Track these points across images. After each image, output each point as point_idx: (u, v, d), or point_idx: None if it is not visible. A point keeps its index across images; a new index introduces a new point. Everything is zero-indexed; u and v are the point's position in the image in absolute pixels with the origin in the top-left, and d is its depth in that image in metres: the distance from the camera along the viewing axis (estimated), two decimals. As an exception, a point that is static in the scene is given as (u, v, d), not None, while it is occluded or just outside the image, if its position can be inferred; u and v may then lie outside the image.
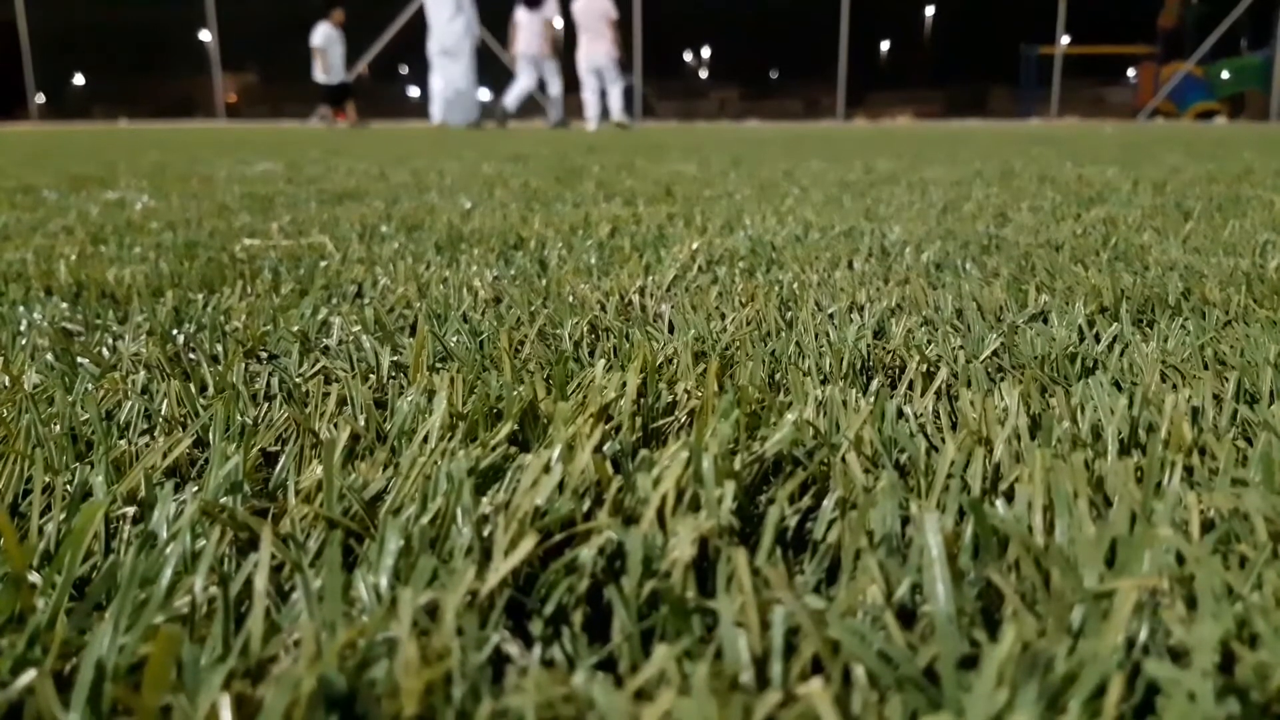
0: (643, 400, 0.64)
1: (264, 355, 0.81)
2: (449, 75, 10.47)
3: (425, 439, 0.56)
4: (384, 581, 0.41)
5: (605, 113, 10.15)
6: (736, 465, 0.52)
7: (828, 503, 0.49)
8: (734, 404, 0.60)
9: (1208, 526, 0.48)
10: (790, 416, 0.56)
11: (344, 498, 0.49)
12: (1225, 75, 18.43)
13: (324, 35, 11.06)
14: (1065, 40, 18.00)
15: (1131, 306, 0.93)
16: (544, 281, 1.09)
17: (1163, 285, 1.02)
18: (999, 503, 0.48)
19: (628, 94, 10.85)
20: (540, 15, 10.16)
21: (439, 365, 0.75)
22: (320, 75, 11.19)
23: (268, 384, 0.71)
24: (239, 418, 0.62)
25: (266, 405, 0.66)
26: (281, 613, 0.41)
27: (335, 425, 0.61)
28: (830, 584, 0.44)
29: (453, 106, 10.53)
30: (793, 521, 0.50)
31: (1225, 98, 18.49)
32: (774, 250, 1.30)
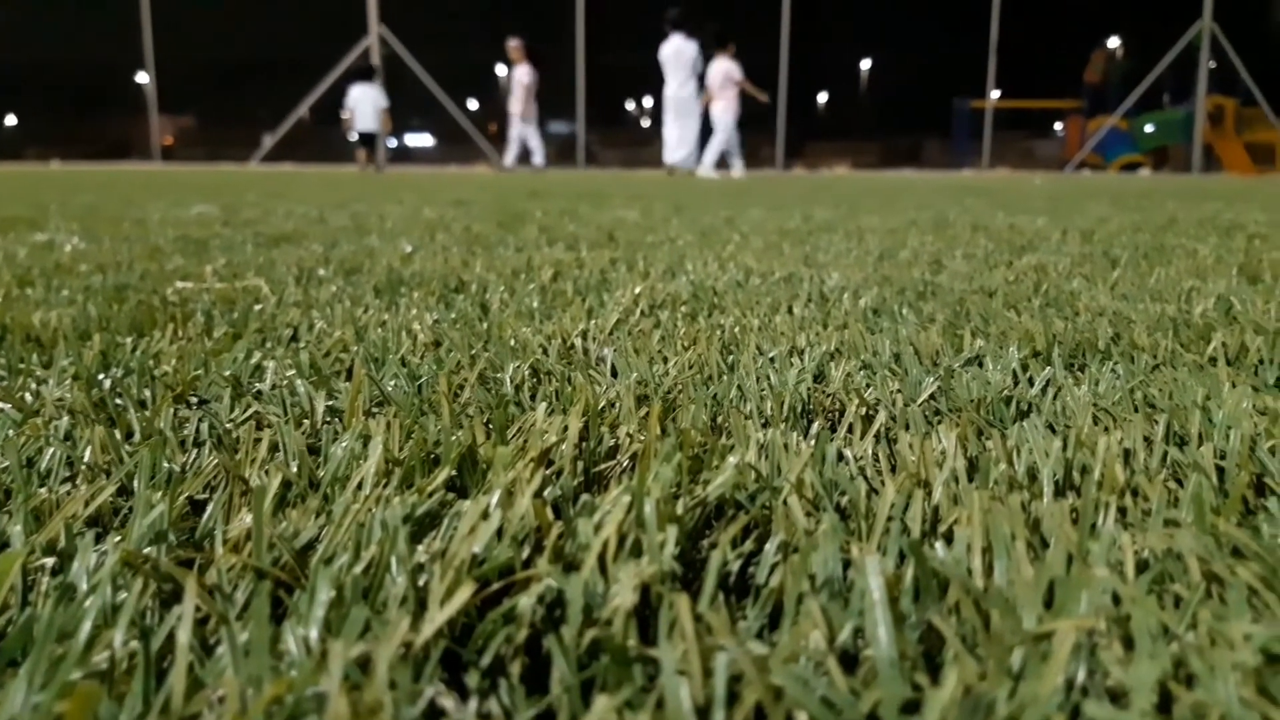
0: (584, 444, 0.63)
1: (194, 400, 0.79)
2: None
3: (359, 485, 0.55)
4: (314, 633, 0.40)
5: (724, 161, 11.19)
6: (679, 509, 0.52)
7: (770, 546, 0.49)
8: (676, 448, 0.60)
9: (1142, 567, 0.49)
10: (732, 460, 0.56)
11: (273, 547, 0.47)
12: (1149, 129, 19.17)
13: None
14: (996, 94, 18.59)
15: (1063, 351, 0.95)
16: (485, 325, 1.08)
17: (1093, 330, 1.05)
18: (938, 545, 0.48)
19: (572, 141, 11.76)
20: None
21: (375, 410, 0.74)
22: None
23: (197, 430, 0.69)
24: (165, 464, 0.60)
25: (195, 452, 0.65)
26: (205, 667, 0.39)
27: (266, 472, 0.59)
28: (773, 629, 0.43)
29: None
30: (735, 566, 0.49)
31: (1149, 151, 19.21)
32: (715, 295, 1.30)
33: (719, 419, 0.70)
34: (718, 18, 11.50)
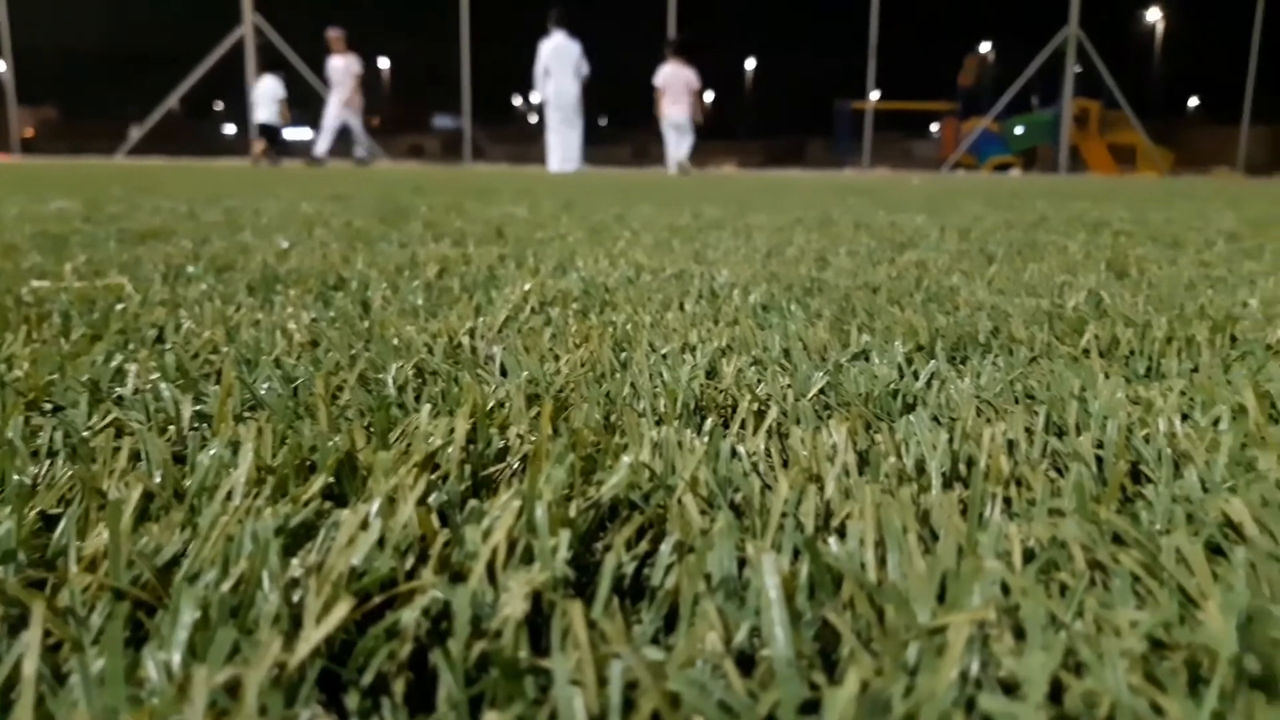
0: (472, 447, 0.61)
1: (48, 407, 0.73)
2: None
3: (229, 496, 0.51)
4: (176, 658, 0.37)
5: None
6: (571, 512, 0.50)
7: (665, 547, 0.48)
8: (569, 448, 0.58)
9: (1029, 556, 0.49)
10: (626, 459, 0.54)
11: (133, 564, 0.44)
12: (1019, 131, 20.03)
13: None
14: (875, 96, 19.13)
15: (946, 345, 0.97)
16: (366, 324, 1.04)
17: (973, 324, 1.07)
18: (832, 540, 0.48)
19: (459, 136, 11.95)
20: None
21: (247, 415, 0.70)
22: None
23: (51, 439, 0.64)
24: (15, 477, 0.55)
25: (48, 463, 0.60)
26: (57, 698, 0.36)
27: (126, 483, 0.55)
28: (669, 632, 0.42)
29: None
30: (630, 568, 0.48)
31: (1019, 151, 20.08)
32: (607, 292, 1.29)
33: (612, 418, 0.68)
34: (594, 19, 11.61)
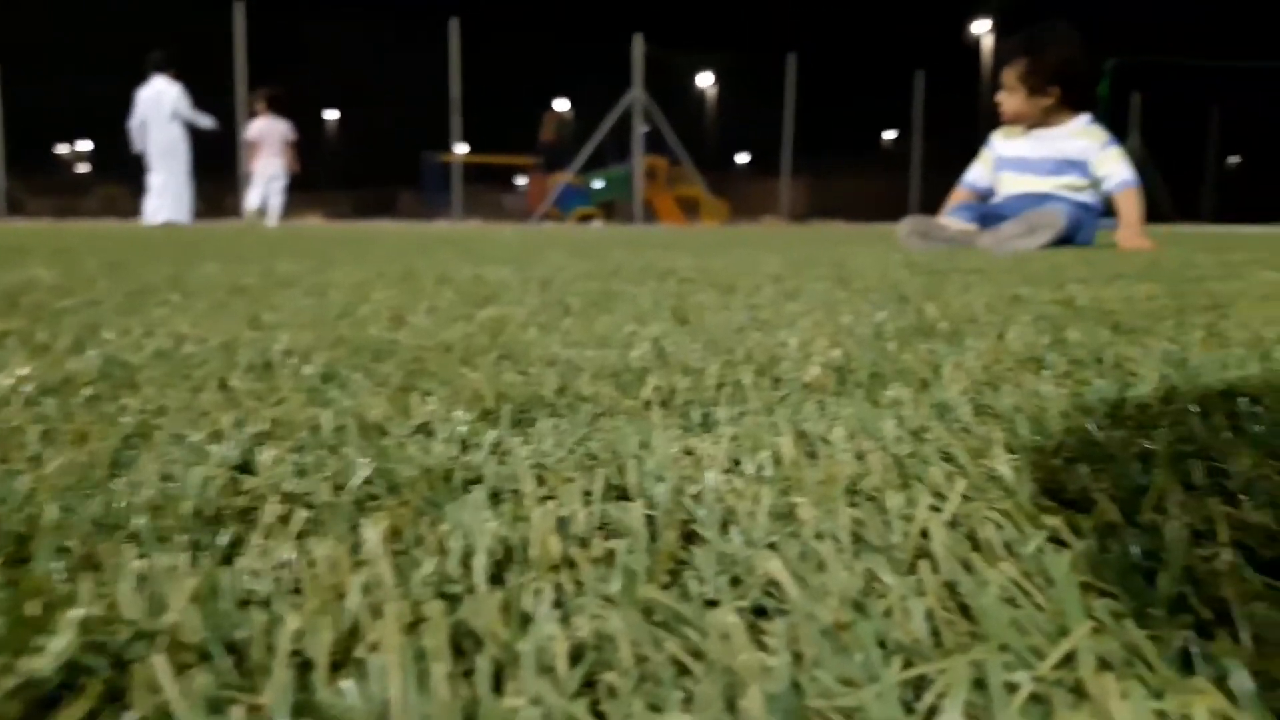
0: None
1: None
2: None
3: None
4: None
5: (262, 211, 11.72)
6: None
7: (127, 727, 0.37)
8: (8, 604, 0.44)
9: (576, 656, 0.44)
10: (76, 614, 0.42)
11: None
12: (598, 185, 21.42)
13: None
14: (462, 149, 19.47)
15: (513, 407, 0.93)
16: None
17: (541, 383, 1.05)
18: (347, 684, 0.40)
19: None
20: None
21: None
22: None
23: None
24: None
25: None
26: None
27: None
28: None
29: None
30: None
31: (600, 204, 21.46)
32: (132, 370, 1.11)
33: (87, 547, 0.55)
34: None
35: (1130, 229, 4.94)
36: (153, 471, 0.68)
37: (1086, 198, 4.98)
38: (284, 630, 0.42)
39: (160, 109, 10.73)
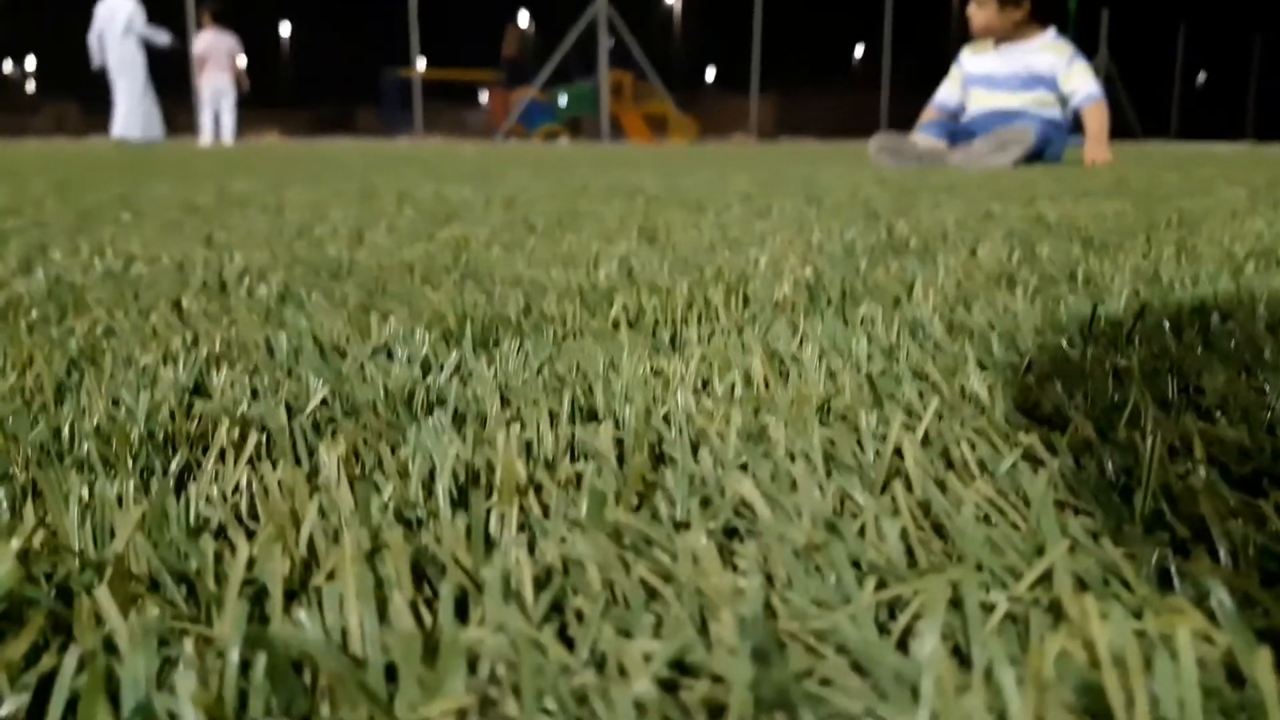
0: None
1: None
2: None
3: None
4: None
5: (217, 133, 11.61)
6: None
7: (69, 662, 0.35)
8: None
9: (543, 582, 0.43)
10: (16, 544, 0.40)
11: None
12: (563, 101, 20.97)
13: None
14: (422, 65, 18.97)
15: (476, 329, 0.91)
16: None
17: (504, 304, 1.02)
18: (303, 614, 0.38)
19: None
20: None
21: None
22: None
23: None
24: None
25: None
26: None
27: None
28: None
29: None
30: (22, 700, 0.35)
31: (565, 121, 21.04)
32: (79, 291, 1.07)
33: (30, 474, 0.52)
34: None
35: (1096, 142, 4.95)
36: (101, 395, 0.66)
37: (1055, 114, 4.96)
38: (237, 559, 0.40)
39: (114, 24, 10.51)
